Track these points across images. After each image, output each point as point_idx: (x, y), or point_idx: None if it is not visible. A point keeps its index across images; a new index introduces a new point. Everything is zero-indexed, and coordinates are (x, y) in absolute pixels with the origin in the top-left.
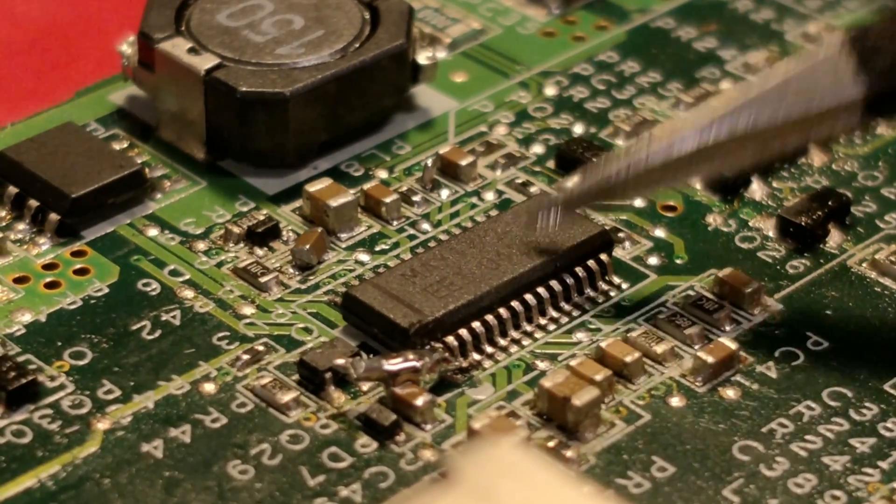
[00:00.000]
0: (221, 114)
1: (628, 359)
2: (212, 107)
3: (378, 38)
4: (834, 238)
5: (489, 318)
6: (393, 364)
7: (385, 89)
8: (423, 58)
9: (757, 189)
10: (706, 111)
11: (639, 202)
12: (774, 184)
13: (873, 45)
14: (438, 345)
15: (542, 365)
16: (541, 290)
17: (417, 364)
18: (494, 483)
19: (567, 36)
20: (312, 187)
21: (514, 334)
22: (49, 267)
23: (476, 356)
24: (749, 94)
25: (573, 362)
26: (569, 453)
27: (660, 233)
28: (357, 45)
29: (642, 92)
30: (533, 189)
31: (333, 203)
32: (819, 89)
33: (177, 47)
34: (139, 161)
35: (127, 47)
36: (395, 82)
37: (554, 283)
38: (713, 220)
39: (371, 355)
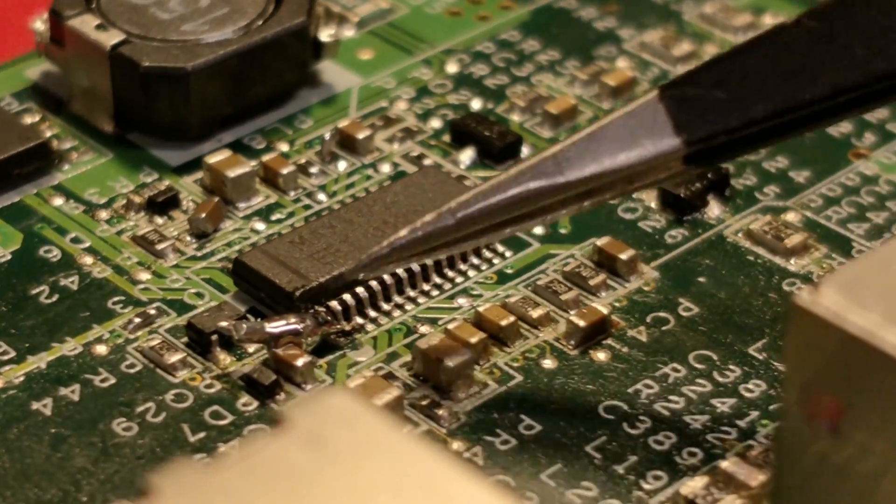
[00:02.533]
0: (127, 88)
1: (503, 323)
2: (118, 81)
3: (280, 15)
4: (713, 209)
5: (373, 283)
6: (274, 326)
7: (287, 65)
8: (325, 35)
9: None
10: (515, 168)
11: None
12: None
13: (689, 95)
14: (322, 309)
15: (422, 329)
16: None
17: (299, 327)
18: (325, 431)
19: (472, 16)
20: (212, 159)
21: (398, 299)
22: None
23: (359, 320)
24: (560, 146)
25: (451, 326)
26: (440, 412)
27: None
28: (260, 23)
29: (540, 69)
30: (427, 161)
31: (231, 174)
32: (637, 139)
33: (85, 24)
34: (49, 134)
35: (40, 24)
36: (297, 58)
37: None
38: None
39: (258, 319)
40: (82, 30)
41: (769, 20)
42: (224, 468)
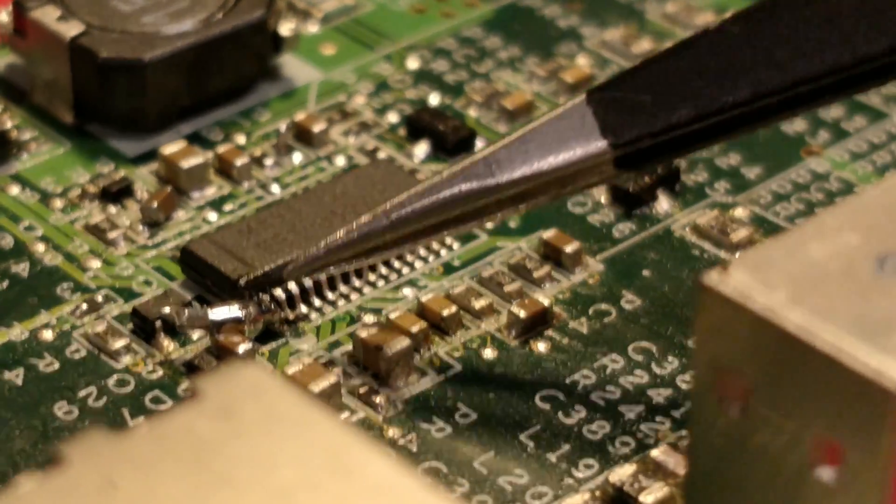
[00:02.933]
0: (85, 79)
1: (445, 313)
2: (77, 72)
3: (239, 9)
4: (662, 204)
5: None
6: (216, 313)
7: (246, 58)
8: (285, 29)
9: None
10: (448, 169)
11: None
12: None
13: (616, 98)
14: (266, 297)
15: (366, 318)
16: None
17: (241, 314)
18: (235, 403)
19: (436, 13)
20: (167, 149)
21: (343, 289)
22: None
23: (304, 309)
24: (491, 149)
25: (393, 315)
26: (378, 399)
27: None
28: (220, 16)
29: (500, 66)
30: (381, 154)
31: (185, 164)
32: (565, 141)
33: (47, 15)
34: (9, 124)
35: (4, 15)
36: (256, 52)
37: None
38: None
39: (203, 306)
40: (44, 21)
41: None
42: (133, 437)
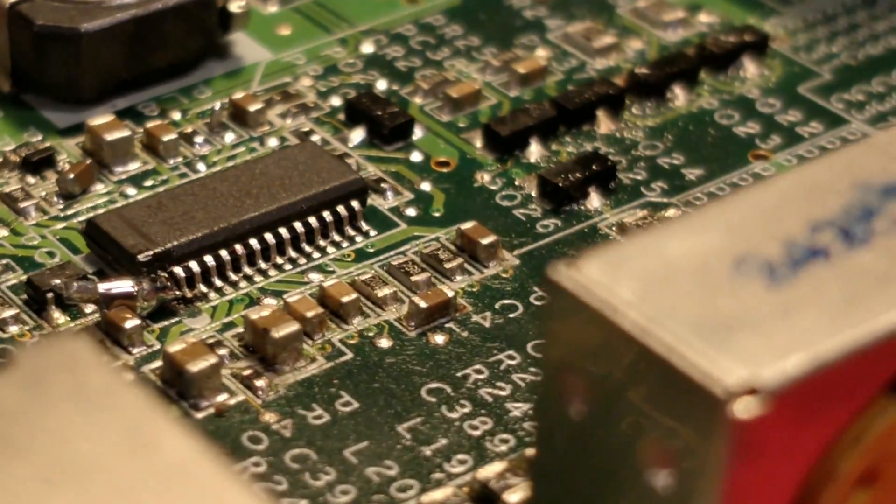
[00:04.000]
0: (22, 47)
1: (344, 299)
2: (15, 40)
3: None
4: (593, 201)
5: (223, 253)
6: (106, 287)
7: (190, 34)
8: (234, 6)
9: (535, 151)
10: None
11: (415, 156)
12: (554, 146)
13: None
14: (164, 274)
15: (266, 301)
16: (283, 230)
17: (132, 289)
18: (49, 375)
19: None
20: (93, 121)
21: (248, 271)
22: None
23: (203, 288)
24: None
25: (291, 299)
26: (259, 382)
27: (426, 186)
28: None
29: (456, 54)
30: (315, 137)
31: (108, 137)
32: None
33: None
34: None
35: None
36: (202, 28)
37: (297, 225)
38: (481, 177)
39: (95, 279)
40: None
41: (704, 18)
42: None
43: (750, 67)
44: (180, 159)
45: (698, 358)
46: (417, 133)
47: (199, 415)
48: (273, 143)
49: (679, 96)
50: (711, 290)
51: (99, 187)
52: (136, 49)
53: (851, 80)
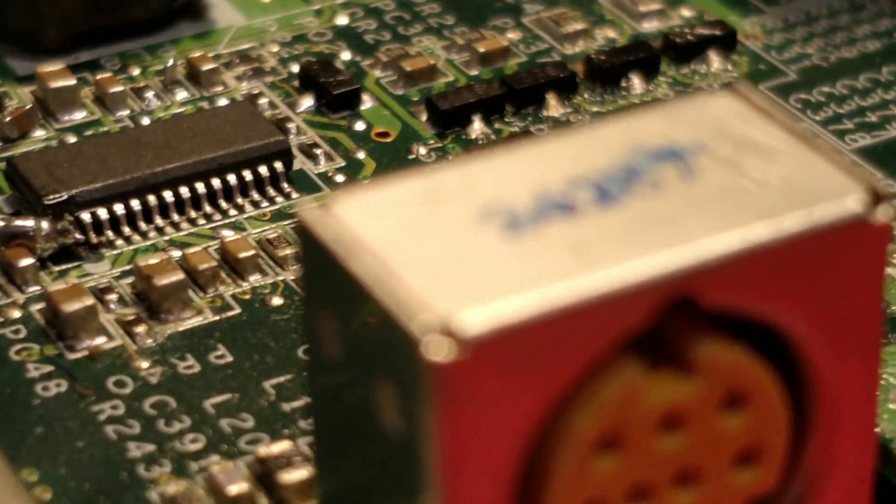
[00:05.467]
0: None
1: (242, 255)
2: None
3: None
4: None
5: (134, 202)
6: (3, 224)
7: None
8: None
9: (477, 128)
10: None
11: (359, 125)
12: (497, 125)
13: None
14: (70, 218)
15: (171, 253)
16: (199, 185)
17: (29, 229)
18: None
19: None
20: (43, 69)
21: (160, 222)
22: None
23: (111, 235)
24: None
25: (189, 251)
26: (139, 329)
27: (360, 155)
28: None
29: (427, 32)
30: (262, 101)
31: (54, 84)
32: None
33: None
34: None
35: None
36: None
37: (216, 182)
38: (417, 150)
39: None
40: None
41: (684, 12)
42: None
43: (715, 62)
44: (126, 112)
45: (407, 299)
46: (367, 103)
47: (74, 356)
48: (222, 102)
49: (636, 85)
50: (449, 238)
51: (39, 133)
52: (97, 2)
53: (816, 81)
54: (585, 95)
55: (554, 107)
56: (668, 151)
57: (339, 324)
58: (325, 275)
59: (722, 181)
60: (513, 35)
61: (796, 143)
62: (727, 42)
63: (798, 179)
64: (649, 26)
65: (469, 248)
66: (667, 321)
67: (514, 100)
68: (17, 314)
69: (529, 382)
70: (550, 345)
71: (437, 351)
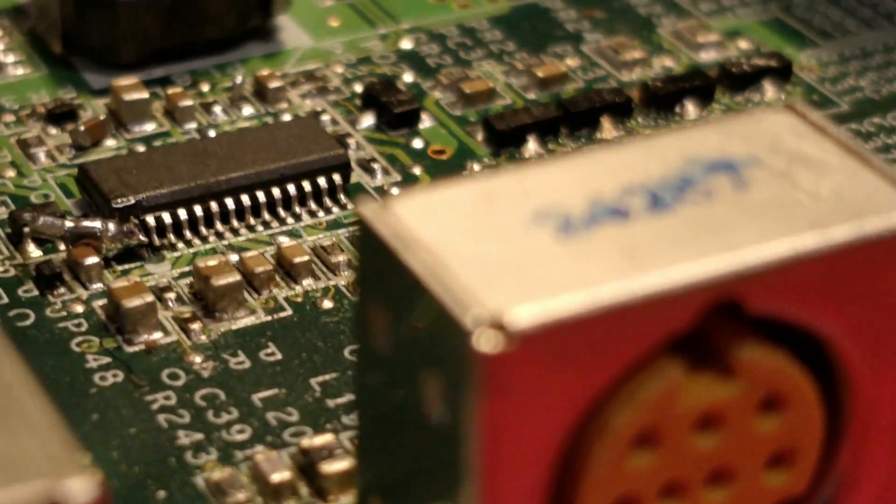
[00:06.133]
0: (68, 11)
1: (296, 260)
2: (63, 5)
3: None
4: None
5: (197, 208)
6: (72, 225)
7: (226, 13)
8: None
9: (531, 148)
10: None
11: (416, 143)
12: (551, 146)
13: None
14: (136, 221)
15: (229, 256)
16: (260, 194)
17: (97, 229)
18: None
19: (456, 3)
20: (118, 83)
21: (220, 228)
22: None
23: (173, 238)
24: None
25: (247, 254)
26: (194, 326)
27: (416, 170)
28: None
29: (488, 57)
30: (325, 117)
31: (127, 97)
32: None
33: None
34: (0, 45)
35: None
36: (240, 8)
37: (275, 191)
38: (472, 167)
39: (65, 217)
40: None
41: (741, 44)
42: None
43: (769, 91)
44: (194, 125)
45: (460, 294)
46: (425, 123)
47: (131, 349)
48: (286, 118)
49: (690, 112)
50: (503, 238)
51: (111, 143)
52: (172, 21)
53: (867, 112)
54: (639, 120)
55: (608, 130)
56: (722, 163)
57: (391, 317)
58: (381, 270)
59: (774, 192)
60: (572, 62)
61: (848, 157)
62: (782, 73)
63: (849, 192)
64: (707, 57)
65: (522, 247)
66: (710, 324)
67: (569, 122)
68: (80, 309)
69: (573, 377)
70: (595, 342)
71: (487, 343)
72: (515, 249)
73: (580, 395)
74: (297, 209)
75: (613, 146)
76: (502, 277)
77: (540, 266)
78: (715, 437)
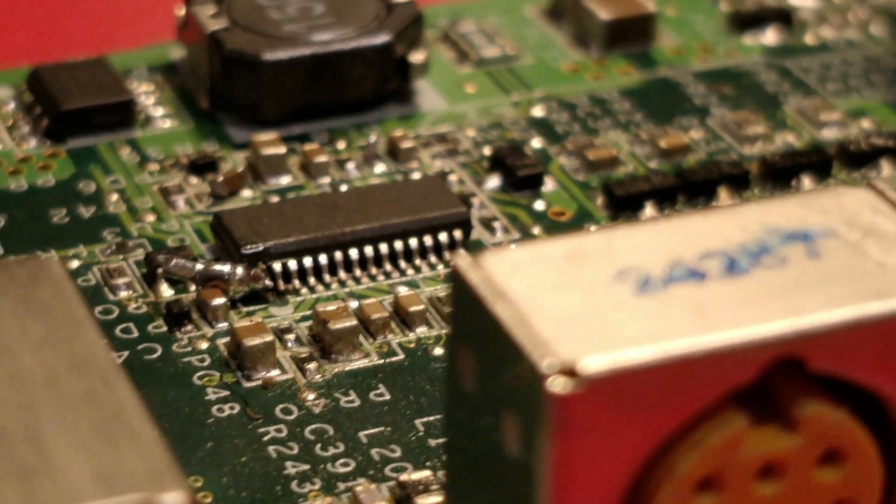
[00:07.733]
0: (215, 69)
1: (412, 308)
2: (212, 63)
3: (371, 32)
4: None
5: (322, 257)
6: (202, 267)
7: (366, 76)
8: (415, 57)
9: (647, 214)
10: None
11: (538, 205)
12: (666, 212)
13: None
14: (263, 266)
15: (349, 303)
16: (383, 246)
17: (225, 272)
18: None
19: (589, 74)
20: (258, 138)
21: (343, 276)
22: (24, 160)
23: (297, 284)
24: None
25: (365, 301)
26: (310, 365)
27: (535, 230)
28: (351, 34)
29: (615, 126)
30: (452, 177)
31: (265, 152)
32: None
33: (203, 10)
34: (152, 99)
35: (180, 10)
36: (379, 72)
37: (398, 244)
38: (588, 229)
39: (197, 260)
40: (198, 15)
41: (864, 124)
42: None
43: (885, 169)
44: (328, 180)
45: (538, 342)
46: (549, 186)
47: (249, 384)
48: (416, 177)
49: (806, 186)
50: (584, 292)
51: (247, 193)
52: (313, 82)
53: None
54: (756, 191)
55: (724, 200)
56: (799, 234)
57: (476, 360)
58: (470, 316)
59: (845, 262)
60: (695, 134)
61: None
62: None
63: None
64: (829, 134)
65: (601, 301)
66: (774, 379)
67: (686, 191)
68: (204, 345)
69: (641, 422)
70: (663, 390)
71: (559, 386)
72: (594, 303)
73: (648, 440)
74: (418, 262)
75: (699, 214)
76: (579, 328)
77: (615, 319)
78: (776, 486)
